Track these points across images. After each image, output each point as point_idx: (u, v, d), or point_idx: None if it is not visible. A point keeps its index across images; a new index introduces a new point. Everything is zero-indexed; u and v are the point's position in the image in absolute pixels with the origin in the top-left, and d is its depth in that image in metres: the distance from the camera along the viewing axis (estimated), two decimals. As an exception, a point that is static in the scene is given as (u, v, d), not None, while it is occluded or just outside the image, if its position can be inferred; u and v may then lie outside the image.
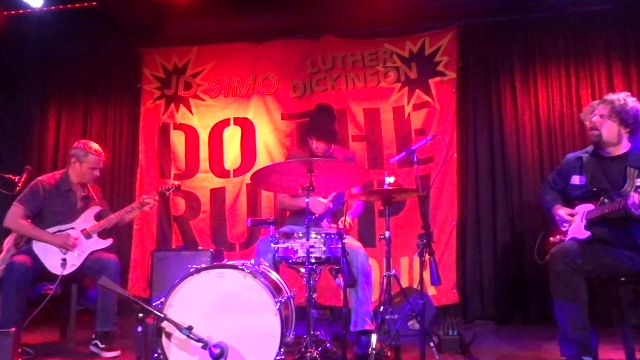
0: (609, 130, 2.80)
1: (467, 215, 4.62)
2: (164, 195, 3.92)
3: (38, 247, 3.44)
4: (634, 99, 2.84)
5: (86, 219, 3.62)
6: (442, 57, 4.75)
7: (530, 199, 4.47)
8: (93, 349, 3.40)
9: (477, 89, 4.77)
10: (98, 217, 3.67)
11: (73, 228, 3.53)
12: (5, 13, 4.72)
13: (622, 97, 2.82)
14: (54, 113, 5.54)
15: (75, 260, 3.46)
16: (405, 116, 4.79)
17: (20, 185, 3.57)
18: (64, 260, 3.41)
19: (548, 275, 2.71)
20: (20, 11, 4.66)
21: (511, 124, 4.64)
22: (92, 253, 3.53)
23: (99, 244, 3.58)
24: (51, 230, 3.50)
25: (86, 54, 5.43)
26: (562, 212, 2.91)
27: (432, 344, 2.99)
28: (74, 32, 4.96)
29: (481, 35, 4.80)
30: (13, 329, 2.75)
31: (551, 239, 2.96)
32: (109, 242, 3.62)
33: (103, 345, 3.36)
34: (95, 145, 3.69)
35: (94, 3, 4.57)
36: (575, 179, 2.90)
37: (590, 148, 2.97)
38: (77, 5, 4.60)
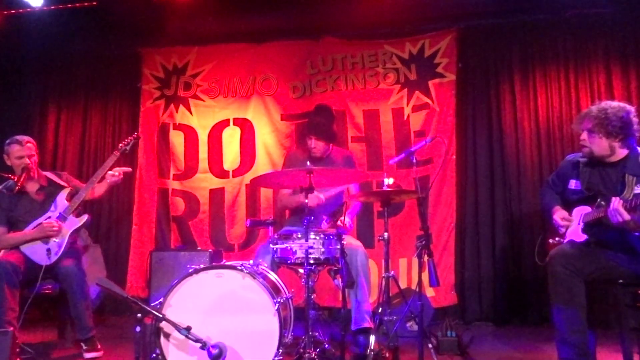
0: (599, 145, 2.76)
1: (466, 217, 4.62)
2: (125, 152, 3.92)
3: (24, 246, 3.45)
4: (616, 104, 2.77)
5: (60, 204, 3.61)
6: (442, 58, 4.76)
7: (529, 201, 4.49)
8: (82, 351, 3.42)
9: (477, 91, 4.78)
10: (70, 197, 3.65)
11: (49, 217, 3.54)
12: (5, 12, 4.72)
13: (602, 109, 2.75)
14: (53, 113, 5.54)
15: (57, 246, 3.46)
16: (405, 117, 4.80)
17: (19, 185, 3.57)
18: (48, 250, 3.42)
19: (547, 277, 2.71)
20: (21, 10, 4.66)
21: (510, 126, 4.65)
22: (70, 236, 3.51)
23: (74, 223, 3.56)
24: (31, 226, 3.50)
25: (86, 53, 5.43)
26: (558, 216, 2.92)
27: (430, 345, 3.00)
28: (74, 31, 4.95)
29: (481, 38, 4.81)
30: (11, 327, 2.74)
31: (550, 240, 2.97)
32: (84, 218, 3.61)
33: (86, 347, 3.39)
34: (18, 136, 3.68)
35: (94, 3, 4.57)
36: (572, 184, 2.90)
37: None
38: (77, 5, 4.60)
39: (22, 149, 3.62)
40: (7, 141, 3.67)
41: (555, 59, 4.62)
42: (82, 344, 3.40)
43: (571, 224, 2.86)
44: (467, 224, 4.62)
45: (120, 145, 3.91)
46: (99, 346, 3.41)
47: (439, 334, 3.33)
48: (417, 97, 4.78)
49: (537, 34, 4.68)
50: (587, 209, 2.80)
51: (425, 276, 3.00)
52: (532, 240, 4.23)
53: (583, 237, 2.74)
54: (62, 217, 3.54)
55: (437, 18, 4.83)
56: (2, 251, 3.54)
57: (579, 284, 2.62)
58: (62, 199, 3.63)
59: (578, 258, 2.65)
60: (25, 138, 3.68)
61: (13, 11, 4.68)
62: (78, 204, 3.60)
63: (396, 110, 4.83)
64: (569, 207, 2.93)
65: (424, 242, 2.92)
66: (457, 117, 4.68)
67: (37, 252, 3.43)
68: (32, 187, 3.66)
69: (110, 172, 3.71)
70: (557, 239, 2.92)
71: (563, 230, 2.88)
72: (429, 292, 4.28)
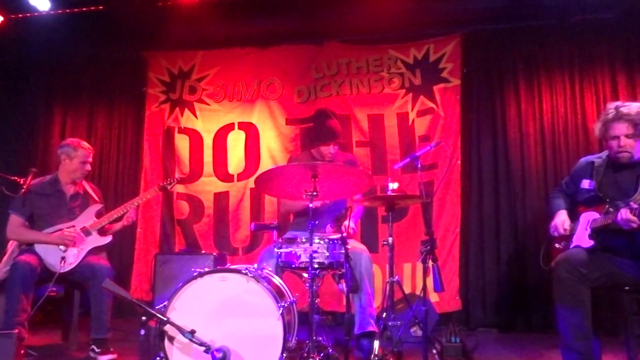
0: (638, 149, 2.75)
1: (470, 222, 4.61)
2: (166, 189, 3.94)
3: (39, 247, 3.46)
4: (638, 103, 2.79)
5: (86, 217, 3.63)
6: (447, 63, 4.76)
7: (534, 206, 4.47)
8: (91, 354, 3.40)
9: (481, 96, 4.78)
10: (99, 215, 3.69)
11: (73, 226, 3.55)
12: (13, 16, 4.75)
13: (634, 108, 2.74)
14: (59, 116, 5.57)
15: (73, 257, 3.47)
16: (409, 122, 4.80)
17: (25, 187, 3.58)
18: (63, 258, 3.42)
19: (552, 283, 2.70)
20: (28, 14, 4.69)
21: (515, 132, 4.64)
22: (89, 253, 3.53)
23: (98, 241, 3.59)
24: (51, 229, 3.52)
25: (92, 57, 5.46)
26: (559, 221, 2.91)
27: (434, 351, 2.99)
28: (80, 35, 4.99)
29: (485, 43, 4.81)
30: (16, 330, 2.75)
31: (556, 245, 2.96)
32: (107, 239, 3.64)
33: (99, 350, 3.37)
34: (82, 141, 3.75)
35: (101, 7, 4.60)
36: (585, 183, 2.89)
37: (604, 154, 2.94)
38: (84, 9, 4.63)
39: (89, 155, 3.69)
40: (72, 142, 3.69)
41: (560, 65, 4.62)
42: (94, 346, 3.38)
43: (575, 229, 2.84)
44: (471, 229, 4.61)
45: (161, 182, 3.97)
46: (112, 349, 3.40)
47: (443, 339, 3.31)
48: (421, 101, 4.79)
49: (542, 39, 4.68)
50: (594, 214, 2.79)
51: (429, 281, 3.00)
52: (537, 246, 4.19)
53: (590, 243, 2.73)
54: (86, 232, 3.56)
55: (442, 23, 4.84)
56: (14, 244, 3.57)
57: (584, 290, 2.61)
58: (91, 213, 3.67)
59: (584, 264, 2.63)
60: (89, 145, 3.75)
61: (20, 15, 4.71)
62: (104, 224, 3.63)
63: (401, 115, 4.83)
64: (577, 209, 2.92)
65: (428, 247, 2.92)
66: (462, 122, 4.68)
67: (52, 257, 3.44)
68: (69, 190, 3.68)
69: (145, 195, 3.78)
70: (562, 243, 2.91)
71: (555, 234, 2.88)
72: (433, 297, 4.27)
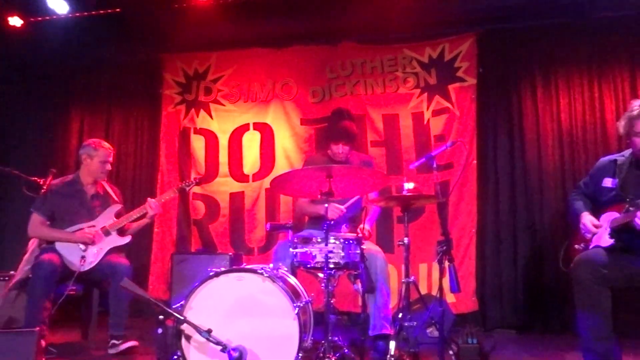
0: None
1: (486, 223, 4.58)
2: (184, 191, 3.98)
3: (60, 245, 3.52)
4: None
5: (107, 217, 3.68)
6: (462, 62, 4.73)
7: (551, 206, 4.43)
8: (111, 350, 3.45)
9: (498, 95, 4.74)
10: (118, 215, 3.73)
11: (94, 226, 3.60)
12: (32, 19, 4.83)
13: None
14: (77, 117, 5.65)
15: (93, 257, 3.52)
16: (425, 122, 4.78)
17: (45, 187, 3.64)
18: (83, 257, 3.47)
19: (571, 284, 2.67)
20: (47, 17, 4.77)
21: (532, 131, 4.59)
22: (108, 253, 3.58)
23: (117, 241, 3.64)
24: (72, 229, 3.57)
25: (108, 59, 5.52)
26: (588, 220, 2.85)
27: (451, 352, 2.97)
28: (98, 38, 5.04)
29: (501, 41, 4.76)
30: (38, 328, 2.80)
31: (576, 246, 2.91)
32: (127, 239, 3.68)
33: (119, 341, 3.43)
34: (103, 142, 3.82)
35: (118, 10, 4.66)
36: (607, 182, 2.84)
37: (627, 152, 2.89)
38: (102, 11, 4.70)
39: (109, 155, 3.75)
40: (94, 143, 3.75)
41: (578, 63, 4.56)
42: (114, 340, 3.44)
43: (597, 231, 2.80)
44: (488, 230, 4.58)
45: (180, 184, 4.01)
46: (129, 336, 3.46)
47: (460, 340, 3.28)
48: (437, 101, 4.76)
49: (559, 37, 4.62)
50: (614, 214, 2.74)
51: (445, 282, 2.98)
52: (554, 246, 4.18)
53: (609, 243, 2.68)
54: (106, 231, 3.61)
55: (457, 22, 4.81)
56: (35, 243, 3.63)
57: (604, 291, 2.57)
58: (111, 213, 3.72)
59: (604, 264, 2.59)
60: (110, 146, 3.82)
61: (40, 18, 4.79)
62: (124, 225, 3.68)
63: (416, 114, 4.81)
64: (598, 209, 2.88)
65: (444, 248, 2.90)
66: (478, 121, 4.64)
67: (72, 255, 3.49)
68: (89, 190, 3.73)
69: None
70: (582, 244, 2.87)
71: (589, 235, 2.82)
72: (450, 298, 4.24)
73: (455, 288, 2.92)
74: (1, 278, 4.14)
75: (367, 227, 3.41)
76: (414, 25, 4.81)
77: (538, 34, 4.69)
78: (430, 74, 4.82)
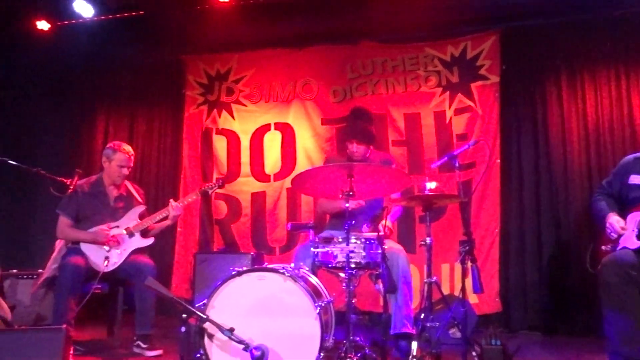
0: None
1: (510, 223, 4.51)
2: (207, 194, 4.01)
3: (85, 246, 3.59)
4: None
5: (130, 218, 3.74)
6: (485, 60, 4.67)
7: (577, 206, 4.33)
8: (136, 349, 3.50)
9: (521, 93, 4.66)
10: (142, 217, 3.79)
11: (118, 227, 3.66)
12: (59, 23, 4.94)
13: None
14: (102, 119, 5.76)
15: (117, 257, 3.58)
16: (447, 121, 4.73)
17: (71, 187, 3.72)
18: (107, 257, 3.54)
19: (598, 285, 2.61)
20: (73, 21, 4.87)
21: (557, 130, 4.51)
22: (132, 254, 3.63)
23: (140, 242, 3.69)
24: (94, 229, 3.63)
25: (132, 61, 5.61)
26: (614, 220, 2.79)
27: (474, 353, 2.94)
28: (121, 40, 5.14)
29: (525, 39, 4.68)
30: (64, 326, 2.86)
31: (603, 247, 2.85)
32: (150, 241, 3.73)
33: (145, 345, 3.47)
34: (125, 145, 3.84)
35: (141, 12, 4.73)
36: (635, 179, 2.78)
37: None
38: (125, 14, 4.78)
39: (127, 160, 3.79)
40: (112, 145, 3.82)
41: (604, 60, 4.45)
42: (140, 342, 3.49)
43: (624, 232, 2.74)
44: (511, 230, 4.51)
45: (203, 187, 4.04)
46: (157, 345, 3.49)
47: (483, 341, 3.24)
48: (459, 100, 4.71)
49: (584, 34, 4.53)
50: (640, 215, 2.68)
51: (468, 282, 2.95)
52: (580, 247, 4.09)
53: (637, 244, 2.62)
54: (130, 233, 3.67)
55: (479, 19, 4.75)
56: (61, 243, 3.71)
57: (632, 293, 2.52)
58: (134, 214, 3.77)
59: (632, 266, 2.54)
60: (130, 150, 3.85)
61: (66, 22, 4.90)
62: (147, 226, 3.73)
63: (438, 113, 4.77)
64: (624, 207, 2.81)
65: (467, 248, 2.87)
66: (501, 120, 4.58)
67: (96, 256, 3.56)
68: (113, 192, 3.80)
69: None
70: (609, 246, 2.81)
71: (614, 236, 2.76)
72: (472, 298, 4.19)
73: (478, 289, 2.89)
74: (30, 276, 4.26)
75: (388, 223, 3.39)
76: (435, 24, 4.78)
77: (562, 30, 4.60)
78: (453, 73, 4.77)
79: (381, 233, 2.96)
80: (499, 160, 4.52)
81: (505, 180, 4.54)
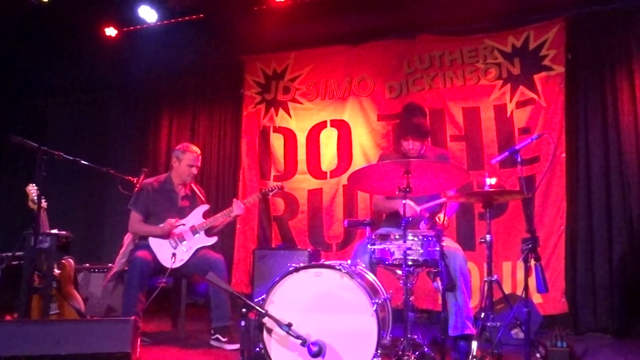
0: None
1: (577, 220, 4.30)
2: (266, 196, 4.11)
3: (153, 243, 3.75)
4: None
5: (195, 217, 3.88)
6: (549, 50, 4.47)
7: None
8: (214, 343, 3.60)
9: (589, 83, 4.42)
10: (206, 215, 3.92)
11: (184, 224, 3.81)
12: (125, 29, 5.19)
13: None
14: (166, 119, 6.00)
15: (183, 255, 3.73)
16: (508, 114, 4.57)
17: (138, 186, 3.91)
18: (174, 254, 3.69)
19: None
20: (138, 27, 5.10)
21: (629, 120, 4.23)
22: (199, 250, 3.77)
23: (205, 240, 3.82)
24: (164, 223, 3.79)
25: (193, 63, 5.81)
26: None
27: (538, 355, 2.85)
28: (183, 43, 5.32)
29: (593, 26, 4.43)
30: (133, 317, 3.01)
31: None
32: (214, 239, 3.86)
33: (225, 339, 3.57)
34: (192, 146, 4.01)
35: (202, 15, 4.88)
36: None
37: None
38: (187, 18, 4.95)
39: (196, 159, 3.97)
40: (182, 147, 4.00)
41: (683, 45, 4.15)
42: (219, 335, 3.59)
43: None
44: (579, 227, 4.29)
45: (263, 189, 4.21)
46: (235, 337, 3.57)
47: (548, 343, 3.12)
48: (521, 92, 4.54)
49: (660, 17, 4.24)
50: None
51: (531, 281, 2.84)
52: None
53: None
54: (195, 231, 3.82)
55: (542, 7, 4.55)
56: (130, 238, 3.90)
57: None
58: (199, 213, 3.93)
59: None
60: (198, 150, 4.03)
61: (132, 28, 5.14)
62: (210, 225, 3.87)
63: (498, 107, 4.62)
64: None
65: (530, 246, 2.77)
66: (567, 112, 4.36)
67: (164, 253, 3.73)
68: (180, 191, 3.98)
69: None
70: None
71: None
72: (536, 298, 4.04)
73: (542, 288, 2.77)
74: (101, 270, 4.52)
75: (445, 218, 3.32)
76: (495, 14, 4.63)
77: (634, 15, 4.31)
78: (514, 64, 4.60)
79: (439, 222, 2.90)
80: (564, 155, 4.32)
81: (571, 175, 4.33)
